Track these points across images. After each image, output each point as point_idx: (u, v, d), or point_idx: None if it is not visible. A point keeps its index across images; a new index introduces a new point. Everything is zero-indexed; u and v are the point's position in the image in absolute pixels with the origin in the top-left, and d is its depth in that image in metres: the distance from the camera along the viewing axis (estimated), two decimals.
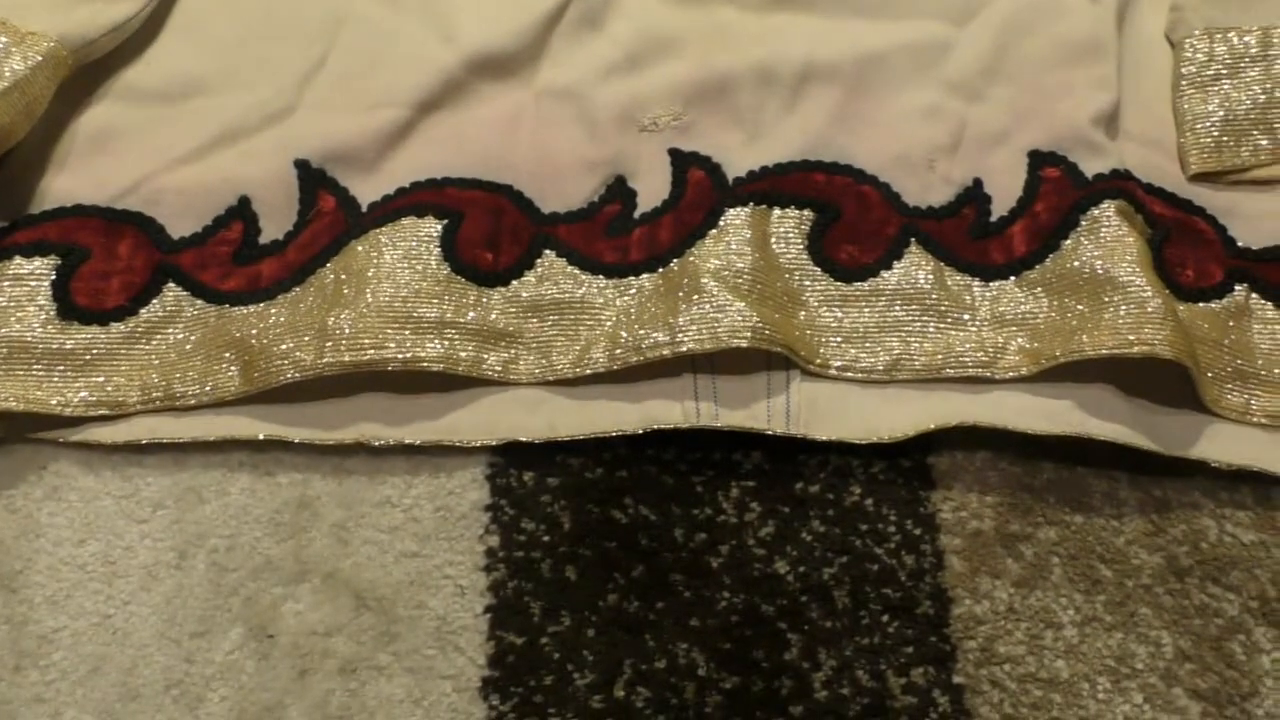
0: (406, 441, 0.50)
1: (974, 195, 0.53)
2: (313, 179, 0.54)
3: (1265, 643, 0.45)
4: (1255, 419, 0.48)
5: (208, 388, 0.50)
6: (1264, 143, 0.52)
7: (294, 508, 0.50)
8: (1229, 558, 0.47)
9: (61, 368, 0.50)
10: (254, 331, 0.50)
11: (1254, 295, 0.50)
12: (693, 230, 0.51)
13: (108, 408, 0.49)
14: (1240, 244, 0.51)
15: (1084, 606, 0.46)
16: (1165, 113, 0.54)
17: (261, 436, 0.50)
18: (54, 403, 0.49)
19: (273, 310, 0.51)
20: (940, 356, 0.49)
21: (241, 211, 0.54)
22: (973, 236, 0.52)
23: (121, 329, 0.50)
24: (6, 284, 0.50)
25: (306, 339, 0.49)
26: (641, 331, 0.49)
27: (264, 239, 0.53)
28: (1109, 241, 0.49)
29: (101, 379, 0.50)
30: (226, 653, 0.47)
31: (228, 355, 0.50)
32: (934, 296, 0.50)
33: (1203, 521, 0.47)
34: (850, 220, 0.52)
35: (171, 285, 0.52)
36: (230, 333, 0.51)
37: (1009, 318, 0.50)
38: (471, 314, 0.50)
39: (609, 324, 0.50)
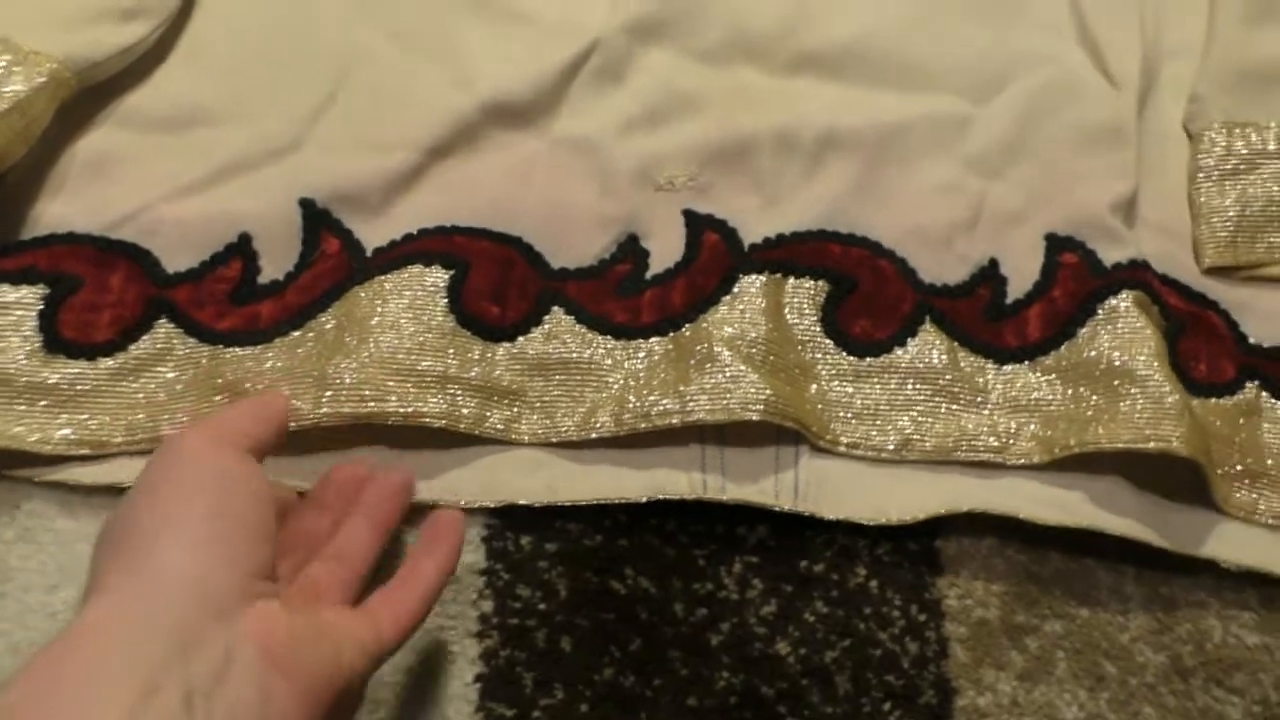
0: None
1: (990, 275, 0.52)
2: (317, 219, 0.52)
3: None
4: (1262, 520, 0.47)
5: None
6: (1278, 240, 0.52)
7: None
8: (1233, 660, 0.46)
9: (44, 403, 0.48)
10: (248, 376, 0.48)
11: (1264, 394, 0.50)
12: (706, 295, 0.50)
13: (90, 447, 0.47)
14: (1252, 340, 0.51)
15: (1088, 703, 0.46)
16: (1182, 203, 0.54)
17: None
18: (33, 439, 0.47)
19: (269, 354, 0.49)
20: (951, 439, 0.48)
21: (241, 248, 0.52)
22: (988, 318, 0.51)
23: (110, 365, 0.49)
24: None
25: (304, 387, 0.47)
26: (651, 398, 0.48)
27: (263, 278, 0.52)
28: (1126, 333, 0.48)
29: (85, 416, 0.48)
30: None
31: (218, 399, 0.48)
32: (947, 377, 0.50)
33: (1208, 621, 0.47)
34: (866, 294, 0.51)
35: (164, 321, 0.50)
36: (224, 375, 0.49)
37: (1022, 403, 0.49)
38: (476, 369, 0.49)
39: (616, 387, 0.49)
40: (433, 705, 0.45)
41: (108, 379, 0.48)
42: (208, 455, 0.39)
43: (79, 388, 0.48)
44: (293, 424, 0.46)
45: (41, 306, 0.49)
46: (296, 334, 0.50)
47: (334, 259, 0.51)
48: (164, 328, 0.50)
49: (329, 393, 0.46)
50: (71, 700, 0.31)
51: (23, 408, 0.47)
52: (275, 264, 0.52)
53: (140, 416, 0.48)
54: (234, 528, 0.37)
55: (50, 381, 0.48)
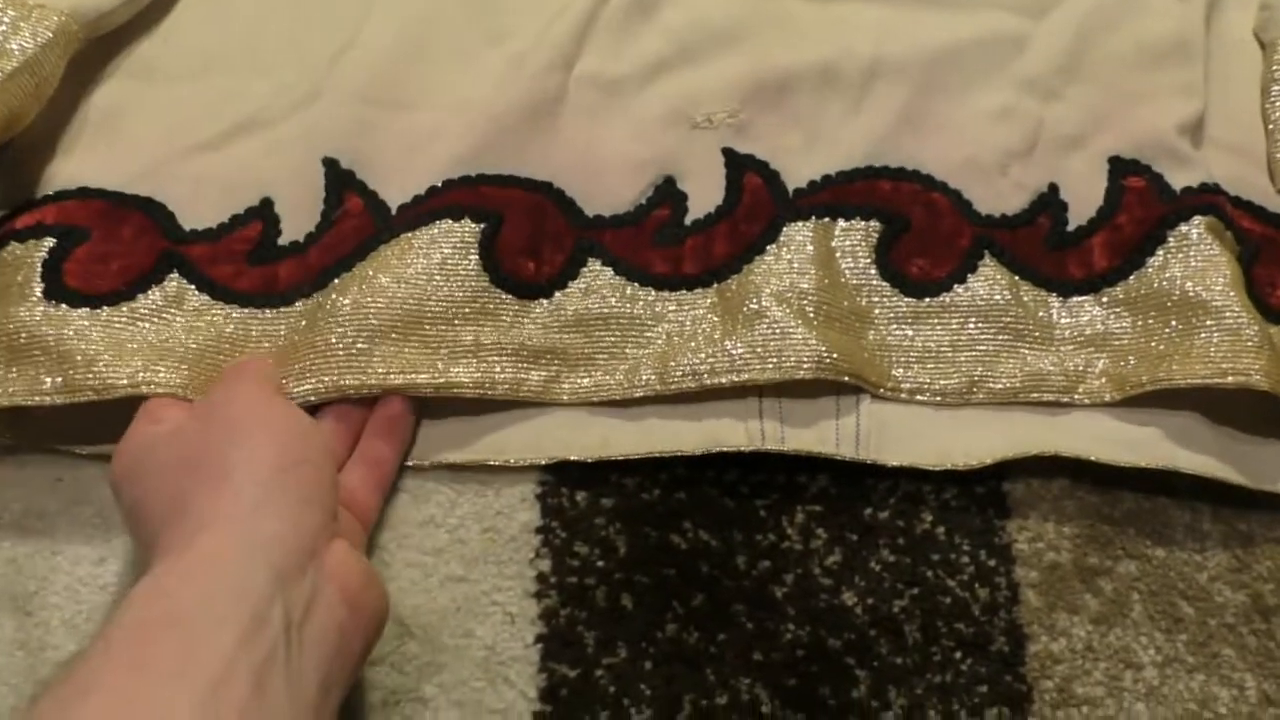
0: (449, 461, 0.47)
1: (1049, 202, 0.50)
2: (340, 179, 0.50)
3: None
4: None
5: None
6: None
7: None
8: None
9: (38, 354, 0.45)
10: (267, 342, 0.47)
11: None
12: (751, 244, 0.48)
13: (94, 391, 0.44)
14: None
15: (1165, 646, 0.44)
16: (1254, 120, 0.51)
17: None
18: (45, 385, 0.44)
19: (289, 320, 0.47)
20: (1019, 379, 0.47)
21: (263, 211, 0.50)
22: (1049, 247, 0.49)
23: (113, 314, 0.46)
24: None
25: (328, 357, 0.45)
26: (700, 356, 0.46)
27: (283, 240, 0.50)
28: (1199, 262, 0.46)
29: (81, 360, 0.45)
30: None
31: (222, 359, 0.47)
32: (1011, 313, 0.48)
33: None
34: (920, 231, 0.49)
35: (175, 276, 0.48)
36: (241, 338, 0.47)
37: (1090, 337, 0.47)
38: (511, 331, 0.47)
39: (660, 342, 0.47)
40: (494, 668, 0.44)
41: (107, 326, 0.46)
42: (280, 402, 0.44)
43: (79, 333, 0.45)
44: (315, 396, 0.45)
45: (45, 256, 0.47)
46: (319, 296, 0.48)
47: (357, 218, 0.49)
48: (175, 281, 0.48)
49: (356, 364, 0.44)
50: (188, 629, 0.34)
51: (22, 364, 0.45)
52: (296, 224, 0.50)
53: (143, 361, 0.45)
54: (314, 477, 0.40)
55: (44, 330, 0.45)
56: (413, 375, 0.45)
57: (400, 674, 0.44)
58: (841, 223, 0.49)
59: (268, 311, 0.48)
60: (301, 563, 0.37)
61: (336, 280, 0.48)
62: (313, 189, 0.50)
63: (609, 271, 0.49)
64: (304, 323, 0.47)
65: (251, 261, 0.49)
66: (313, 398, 0.45)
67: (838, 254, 0.48)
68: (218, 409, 0.41)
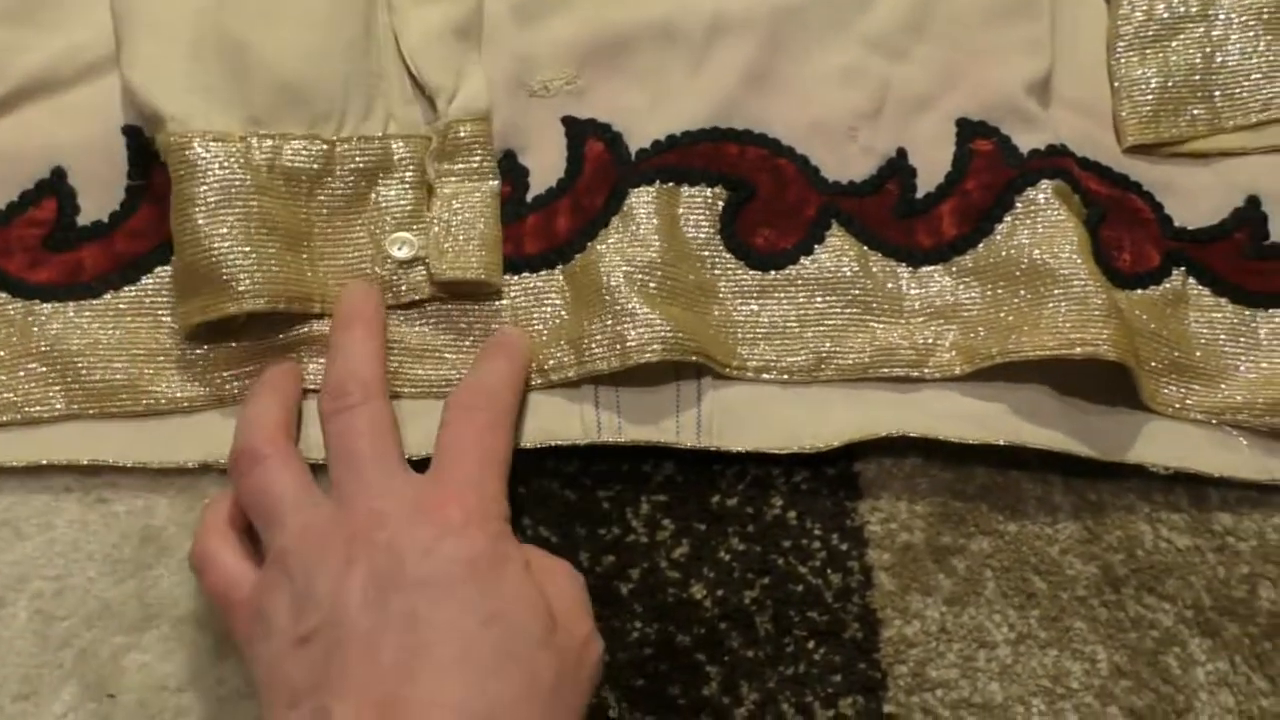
0: None
1: (898, 168, 0.48)
2: (144, 150, 0.45)
3: (1200, 654, 0.43)
4: (1192, 415, 0.45)
5: (20, 403, 0.43)
6: (1201, 112, 0.49)
7: (135, 541, 0.43)
8: (1164, 565, 0.44)
9: None
10: (75, 345, 0.43)
11: (1191, 280, 0.47)
12: (593, 218, 0.45)
13: None
14: (1176, 224, 0.48)
15: (1018, 623, 0.43)
16: (1101, 77, 0.50)
17: (85, 461, 0.43)
18: None
19: (97, 323, 0.44)
20: (868, 354, 0.45)
21: (55, 185, 0.46)
22: (897, 216, 0.47)
23: None
24: None
25: (134, 365, 0.42)
26: (545, 351, 0.43)
27: (83, 219, 0.45)
28: (1046, 228, 0.45)
29: None
30: (58, 716, 0.41)
31: (35, 368, 0.43)
32: (859, 286, 0.46)
33: (1138, 526, 0.45)
34: (766, 199, 0.47)
35: None
36: (41, 339, 0.43)
37: (940, 309, 0.46)
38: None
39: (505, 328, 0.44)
40: None
41: None
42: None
43: None
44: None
45: None
46: (131, 290, 0.44)
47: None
48: None
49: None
50: None
51: None
52: (95, 201, 0.45)
53: None
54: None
55: None
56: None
57: (217, 699, 0.41)
58: (686, 189, 0.46)
59: (70, 305, 0.44)
60: None
61: (151, 272, 0.45)
62: (112, 161, 0.46)
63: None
64: (119, 328, 0.43)
65: (49, 246, 0.45)
66: None
67: (682, 223, 0.46)
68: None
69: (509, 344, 0.43)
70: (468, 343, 0.44)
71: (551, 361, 0.43)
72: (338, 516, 0.36)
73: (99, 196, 0.46)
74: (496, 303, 0.45)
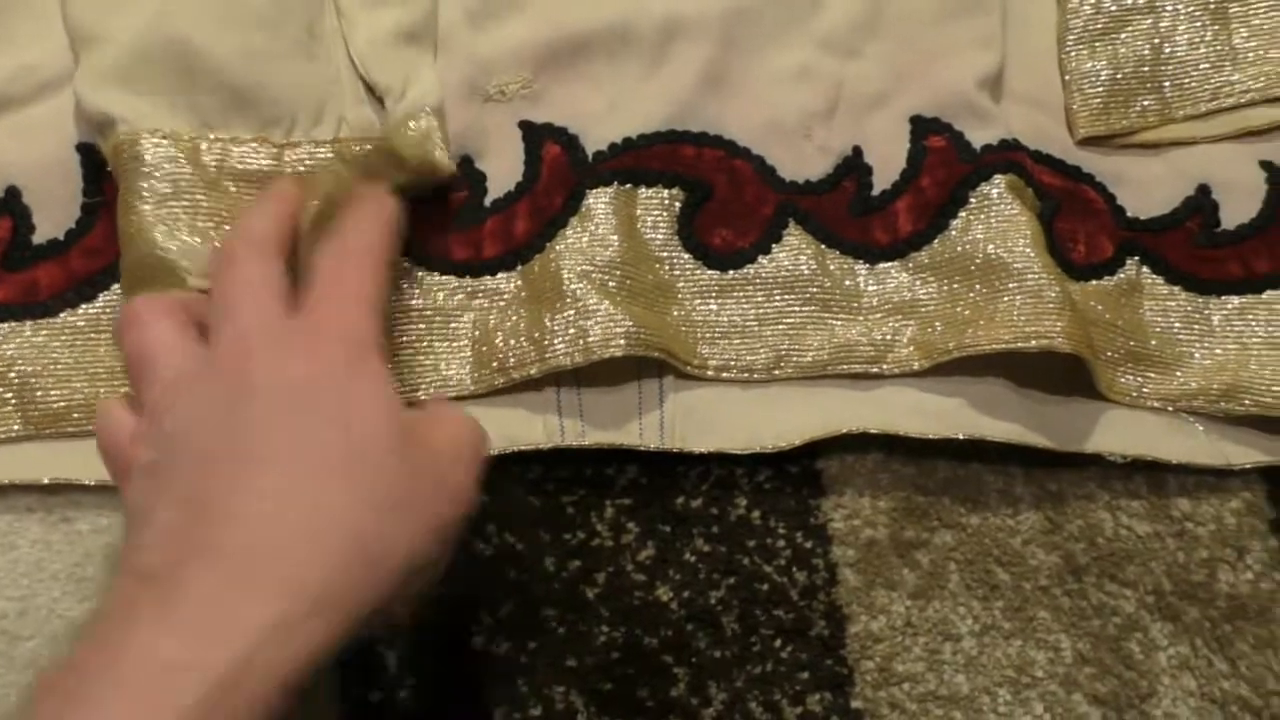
0: None
1: (854, 165, 0.48)
2: (99, 167, 0.45)
3: (1162, 639, 0.44)
4: (1148, 402, 0.45)
5: None
6: (1151, 103, 0.49)
7: (99, 560, 0.43)
8: (1125, 552, 0.45)
9: None
10: (32, 366, 0.42)
11: (1145, 269, 0.47)
12: (551, 218, 0.45)
13: None
14: (1129, 214, 0.48)
15: (982, 615, 0.44)
16: (1051, 70, 0.50)
17: (46, 480, 0.43)
18: None
19: (56, 342, 0.43)
20: (827, 351, 0.45)
21: (9, 205, 0.45)
22: (854, 214, 0.47)
23: None
24: None
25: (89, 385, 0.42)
26: (505, 346, 0.43)
27: (38, 238, 0.45)
28: (1000, 222, 0.45)
29: None
30: None
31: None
32: (817, 284, 0.46)
33: (1098, 514, 0.45)
34: (723, 199, 0.47)
35: None
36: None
37: (898, 305, 0.46)
38: None
39: (464, 336, 0.44)
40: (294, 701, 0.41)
41: None
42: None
43: None
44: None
45: None
46: (87, 307, 0.44)
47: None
48: None
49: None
50: None
51: None
52: (52, 220, 0.45)
53: None
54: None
55: None
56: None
57: None
58: (644, 190, 0.46)
59: (28, 325, 0.44)
60: None
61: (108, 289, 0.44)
62: (67, 179, 0.45)
63: (403, 262, 0.45)
64: (75, 348, 0.43)
65: (6, 266, 0.45)
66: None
67: (640, 224, 0.46)
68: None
69: (374, 206, 0.40)
70: (429, 346, 0.44)
71: (514, 358, 0.43)
72: (209, 358, 0.35)
73: (54, 215, 0.45)
74: (457, 307, 0.45)
